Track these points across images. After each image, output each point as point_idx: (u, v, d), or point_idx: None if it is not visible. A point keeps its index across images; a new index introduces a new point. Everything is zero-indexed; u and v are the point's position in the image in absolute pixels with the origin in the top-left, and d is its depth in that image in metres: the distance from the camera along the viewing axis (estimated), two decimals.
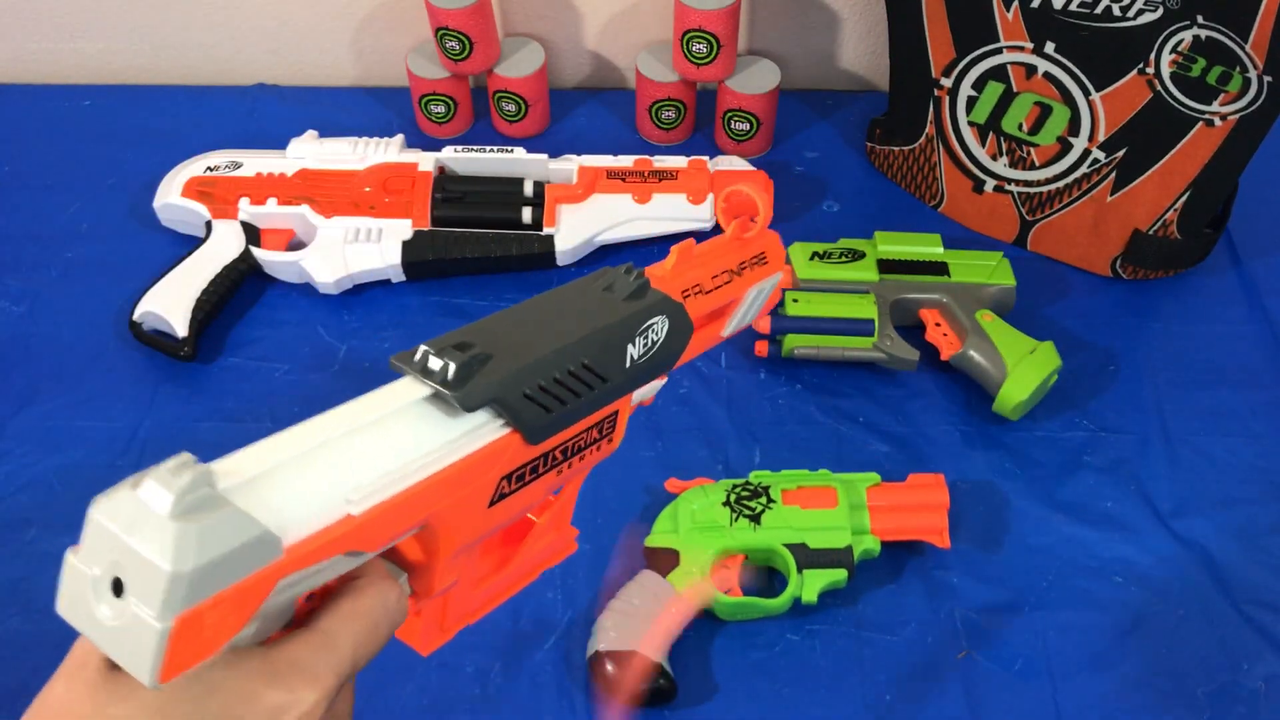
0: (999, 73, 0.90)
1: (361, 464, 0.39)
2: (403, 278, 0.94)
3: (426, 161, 0.96)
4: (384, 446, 0.40)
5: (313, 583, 0.38)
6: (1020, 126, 0.92)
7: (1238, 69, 0.80)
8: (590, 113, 1.10)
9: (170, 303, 0.89)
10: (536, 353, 0.45)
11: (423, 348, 0.42)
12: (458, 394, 0.41)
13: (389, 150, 0.97)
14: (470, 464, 0.42)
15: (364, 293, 0.94)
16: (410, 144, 0.99)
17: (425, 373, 0.42)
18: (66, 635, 0.80)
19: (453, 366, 0.41)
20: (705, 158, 0.98)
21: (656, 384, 0.51)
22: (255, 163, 0.96)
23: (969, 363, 0.86)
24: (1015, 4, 0.86)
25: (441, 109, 1.05)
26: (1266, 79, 0.80)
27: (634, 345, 0.48)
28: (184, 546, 0.32)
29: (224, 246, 0.92)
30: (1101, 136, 0.89)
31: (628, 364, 0.48)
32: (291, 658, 0.37)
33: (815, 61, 1.13)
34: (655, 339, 0.50)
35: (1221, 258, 0.97)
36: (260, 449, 0.38)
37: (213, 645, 0.34)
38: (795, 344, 0.87)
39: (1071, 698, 0.73)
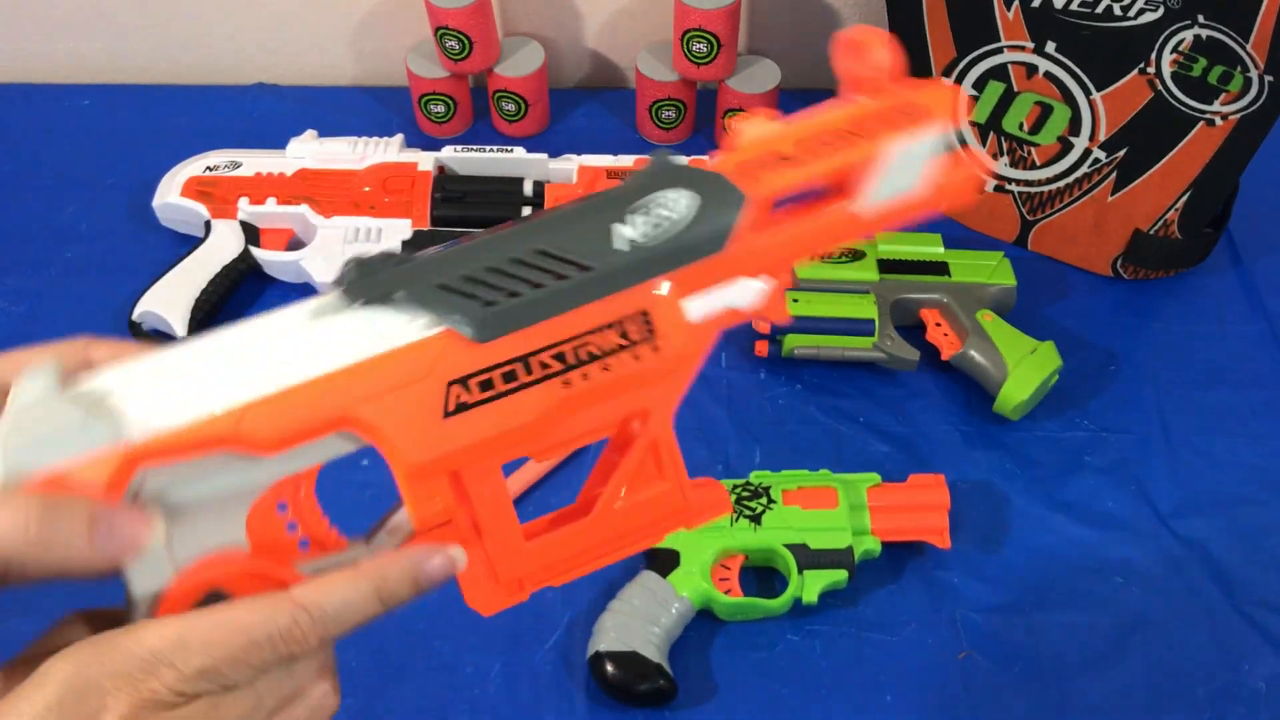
0: (999, 72, 0.90)
1: (243, 360, 0.39)
2: None
3: (426, 161, 0.96)
4: (273, 344, 0.39)
5: (202, 490, 0.38)
6: (1021, 126, 0.92)
7: (1239, 69, 0.80)
8: (590, 112, 1.10)
9: (169, 302, 0.89)
10: (466, 250, 0.40)
11: (349, 259, 0.40)
12: (349, 291, 0.39)
13: (388, 150, 0.97)
14: (383, 363, 0.39)
15: None
16: (410, 144, 0.99)
17: (336, 283, 0.40)
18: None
19: (352, 266, 0.39)
20: (705, 158, 0.97)
21: (736, 286, 0.42)
22: (255, 162, 0.96)
23: (969, 363, 0.86)
24: (1016, 3, 0.86)
25: (441, 109, 1.05)
26: (1267, 79, 0.80)
27: (627, 225, 0.41)
28: (11, 435, 0.36)
29: (223, 246, 0.92)
30: (1102, 136, 0.89)
31: (622, 246, 0.41)
32: (147, 644, 0.36)
33: (815, 61, 1.12)
34: (671, 216, 0.41)
35: (1222, 258, 0.97)
36: (148, 355, 0.39)
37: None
38: (795, 344, 0.87)
39: (1072, 698, 0.73)
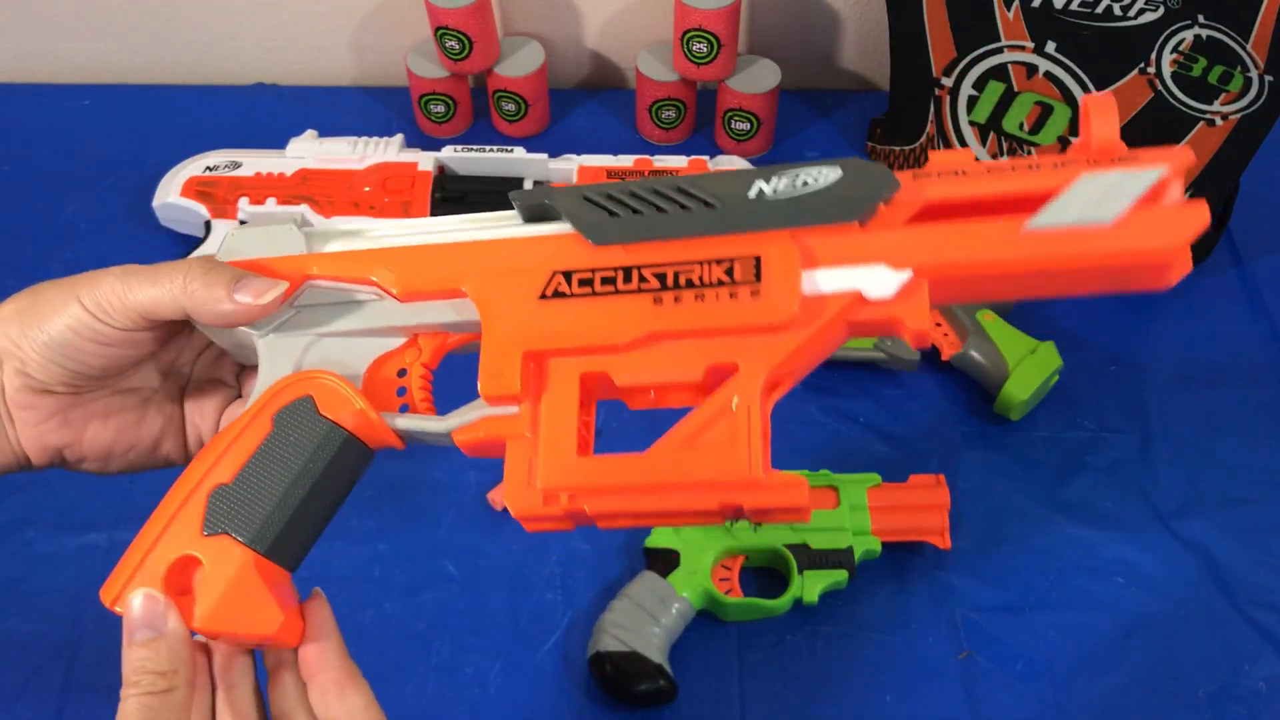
0: (1000, 72, 0.90)
1: (407, 229, 0.47)
2: None
3: (426, 161, 0.96)
4: (436, 230, 0.47)
5: (344, 318, 0.46)
6: (1021, 126, 0.92)
7: (1239, 69, 0.80)
8: (590, 112, 1.10)
9: None
10: (631, 182, 0.44)
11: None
12: (517, 198, 0.45)
13: (388, 150, 0.97)
14: (509, 246, 0.45)
15: None
16: (410, 143, 0.99)
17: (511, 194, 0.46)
18: (66, 636, 0.80)
19: (530, 183, 0.49)
20: (705, 157, 0.98)
21: (870, 270, 0.40)
22: (254, 162, 0.96)
23: (970, 363, 0.86)
24: (1016, 3, 0.86)
25: (441, 108, 1.05)
26: (1267, 79, 0.80)
27: (767, 183, 0.42)
28: (237, 231, 0.48)
29: None
30: None
31: (753, 194, 0.42)
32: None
33: (815, 61, 1.12)
34: (810, 183, 0.41)
35: (1223, 258, 0.97)
36: (351, 223, 0.50)
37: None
38: None
39: (1072, 698, 0.73)
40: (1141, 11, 0.82)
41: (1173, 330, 0.93)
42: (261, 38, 1.11)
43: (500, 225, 0.46)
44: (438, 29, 0.99)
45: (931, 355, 0.88)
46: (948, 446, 0.85)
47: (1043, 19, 0.85)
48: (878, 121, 1.03)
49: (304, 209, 0.93)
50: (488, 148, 0.97)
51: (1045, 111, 0.90)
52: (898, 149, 1.01)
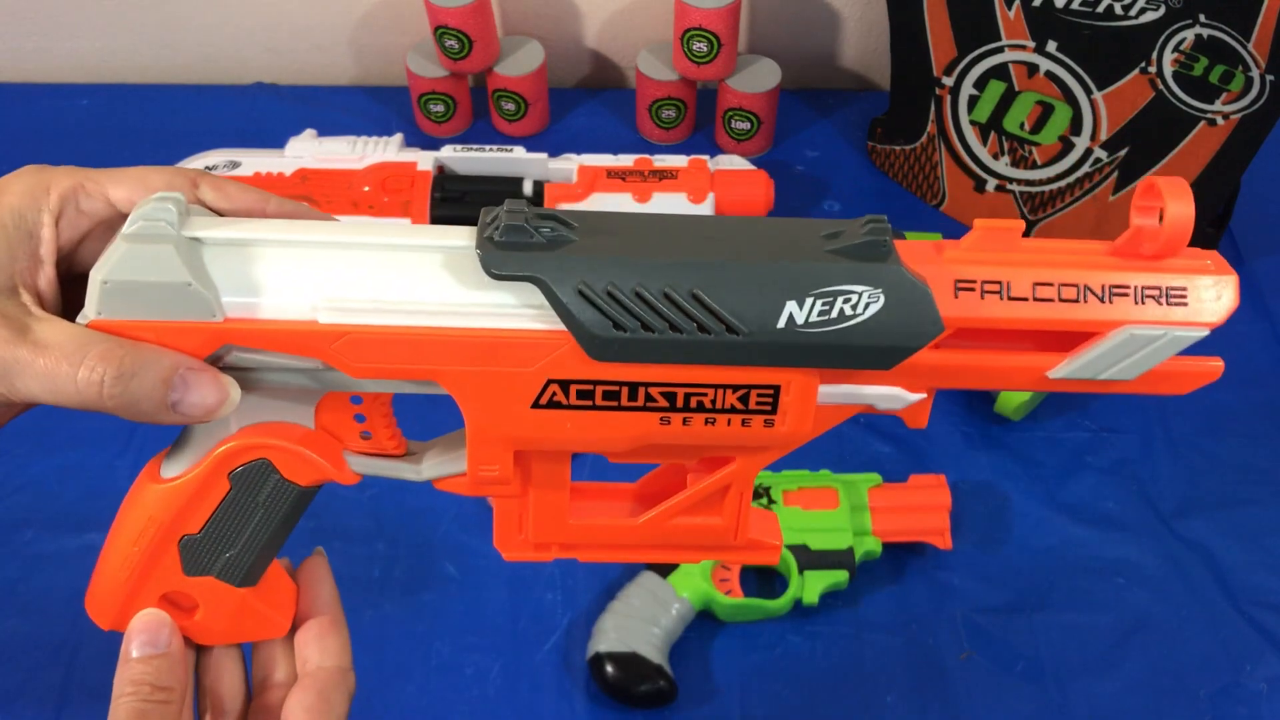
0: (1000, 71, 0.90)
1: (358, 278, 0.37)
2: None
3: (426, 161, 0.96)
4: (394, 273, 0.38)
5: (282, 378, 0.39)
6: (1022, 125, 0.92)
7: (1240, 68, 0.80)
8: (590, 112, 1.10)
9: None
10: (629, 253, 0.36)
11: (509, 203, 0.37)
12: (484, 253, 0.36)
13: (388, 149, 0.96)
14: (492, 341, 0.37)
15: None
16: (409, 143, 0.99)
17: (482, 225, 0.37)
18: (65, 637, 0.80)
19: (503, 225, 0.36)
20: (705, 157, 0.97)
21: (888, 391, 0.39)
22: (254, 162, 0.96)
23: None
24: (1017, 3, 0.86)
25: (441, 108, 1.05)
26: (1269, 78, 0.80)
27: (800, 306, 0.36)
28: (108, 263, 0.37)
29: None
30: (1103, 136, 0.89)
31: (781, 324, 0.36)
32: None
33: (816, 60, 1.12)
34: (849, 313, 0.36)
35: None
36: (269, 224, 0.39)
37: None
38: None
39: (1073, 698, 0.73)
40: (1143, 11, 0.81)
41: None
42: (261, 37, 1.11)
43: (464, 269, 0.37)
44: (437, 28, 0.99)
45: None
46: (948, 447, 0.85)
47: (1044, 18, 0.85)
48: (878, 121, 1.03)
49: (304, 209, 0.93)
50: (487, 147, 0.97)
51: (1046, 111, 0.90)
52: (898, 148, 1.01)
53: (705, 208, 0.95)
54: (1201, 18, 0.79)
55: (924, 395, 0.40)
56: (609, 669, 0.71)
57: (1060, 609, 0.77)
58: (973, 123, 0.94)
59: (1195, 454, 0.85)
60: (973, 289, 0.37)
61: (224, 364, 0.39)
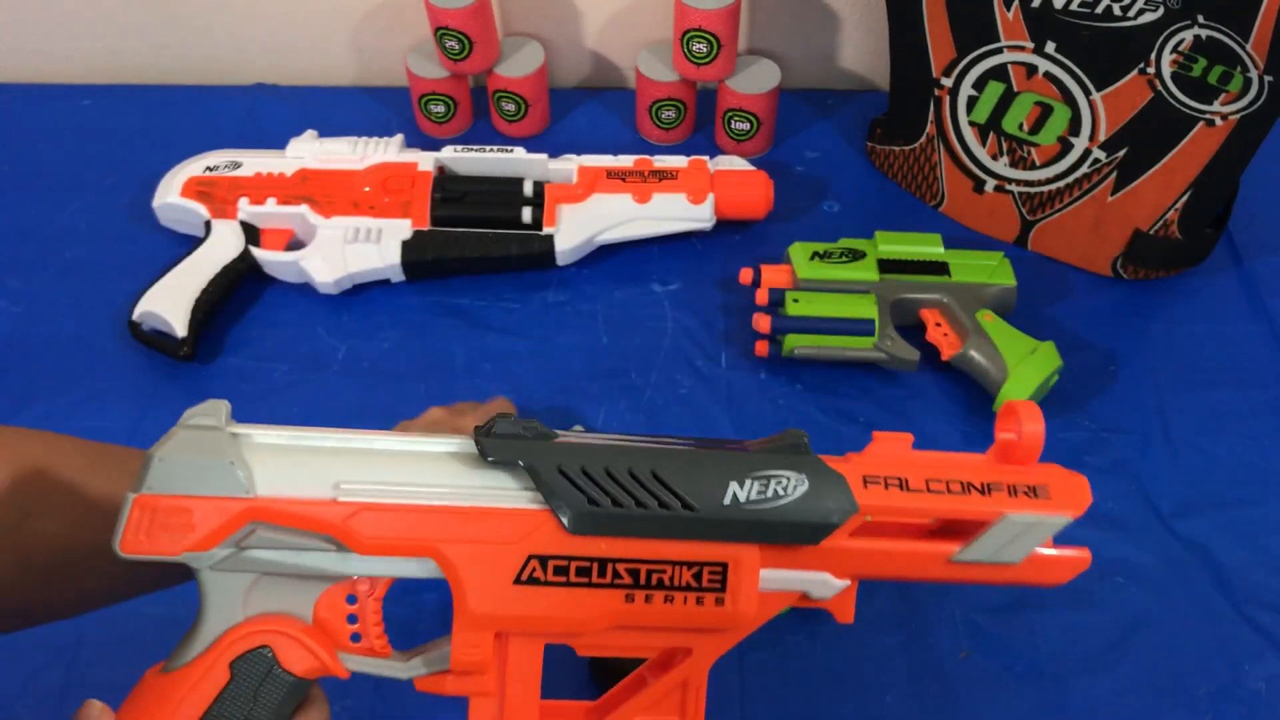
0: (999, 72, 0.90)
1: (370, 470, 0.44)
2: (402, 278, 0.94)
3: (426, 161, 0.96)
4: (401, 467, 0.45)
5: (295, 561, 0.44)
6: (1021, 126, 0.92)
7: (1238, 69, 0.80)
8: (590, 112, 1.10)
9: (169, 303, 0.89)
10: (598, 446, 0.44)
11: (499, 416, 0.45)
12: (483, 441, 0.44)
13: (388, 150, 0.97)
14: (484, 516, 0.44)
15: (363, 293, 0.94)
16: (410, 144, 0.99)
17: (477, 430, 0.45)
18: (66, 636, 0.80)
19: (497, 424, 0.44)
20: (705, 157, 0.98)
21: (818, 577, 0.46)
22: (254, 162, 0.96)
23: (969, 363, 0.86)
24: (1016, 4, 0.86)
25: (441, 109, 1.05)
26: (1267, 79, 0.80)
27: (741, 487, 0.44)
28: (165, 443, 0.44)
29: (223, 246, 0.92)
30: (1102, 136, 0.89)
31: (727, 501, 0.44)
32: None
33: (815, 61, 1.13)
34: (781, 493, 0.45)
35: (1222, 258, 0.97)
36: (298, 429, 0.45)
37: (169, 545, 0.43)
38: (795, 344, 0.87)
39: (1072, 698, 0.73)
40: (1141, 12, 0.82)
41: (1173, 330, 0.93)
42: (262, 38, 1.11)
43: (462, 460, 0.45)
44: (438, 29, 0.99)
45: (931, 355, 0.88)
46: (948, 446, 0.85)
47: (1042, 19, 0.85)
48: (878, 122, 1.03)
49: (304, 209, 0.93)
50: (488, 148, 0.97)
51: (1045, 112, 0.90)
52: (898, 149, 1.01)
53: (705, 208, 0.95)
54: (1200, 19, 0.80)
55: (848, 583, 0.46)
56: (609, 668, 0.71)
57: (1059, 608, 0.77)
58: (972, 123, 0.94)
59: (1194, 454, 0.85)
60: (878, 482, 0.46)
61: (246, 545, 0.44)
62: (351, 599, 0.47)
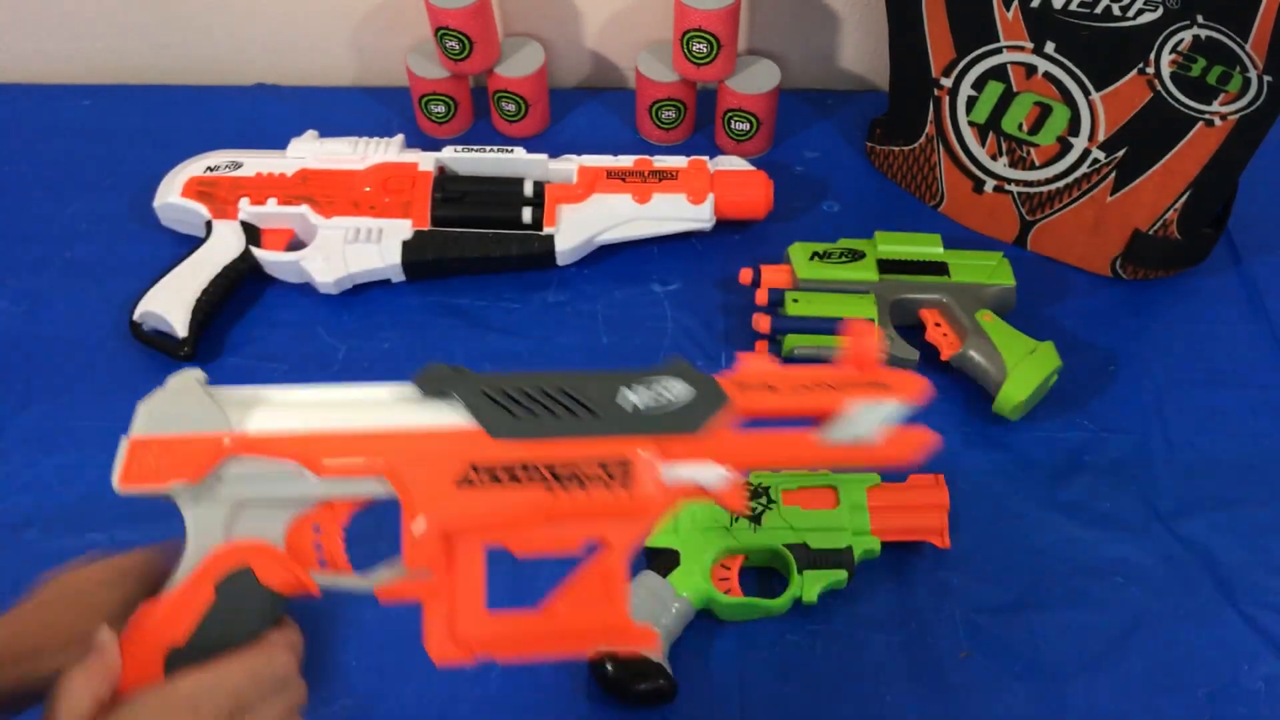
0: (999, 72, 0.90)
1: (327, 409, 0.53)
2: (403, 278, 0.94)
3: (426, 161, 0.96)
4: (353, 405, 0.54)
5: (267, 487, 0.52)
6: (1020, 126, 0.92)
7: (1238, 69, 0.80)
8: (590, 113, 1.10)
9: (170, 303, 0.89)
10: (515, 374, 0.54)
11: (430, 364, 0.54)
12: (419, 380, 0.53)
13: (389, 150, 0.97)
14: (424, 436, 0.52)
15: (364, 293, 0.94)
16: (410, 144, 0.99)
17: (414, 373, 0.54)
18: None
19: (428, 368, 0.54)
20: (705, 158, 0.98)
21: (707, 467, 0.53)
22: (255, 162, 0.96)
23: (969, 363, 0.86)
24: (1015, 4, 0.86)
25: (441, 109, 1.05)
26: (1266, 79, 0.80)
27: (633, 392, 0.53)
28: (152, 396, 0.53)
29: (224, 246, 0.92)
30: (1101, 136, 0.89)
31: (626, 408, 0.53)
32: (183, 690, 0.48)
33: (815, 61, 1.13)
34: (668, 398, 0.54)
35: (1222, 258, 0.97)
36: (265, 387, 0.54)
37: (159, 477, 0.51)
38: (795, 344, 0.87)
39: (1072, 698, 0.73)
40: (1140, 12, 0.82)
41: (1172, 330, 0.93)
42: (262, 38, 1.11)
43: (402, 400, 0.53)
44: (438, 29, 0.99)
45: (931, 355, 0.88)
46: (947, 446, 0.85)
47: (1042, 19, 0.85)
48: (877, 122, 1.04)
49: (305, 209, 0.93)
50: (488, 148, 0.97)
51: (1044, 112, 0.90)
52: (897, 149, 1.01)
53: (705, 208, 0.95)
54: (1199, 19, 0.80)
55: (736, 473, 0.53)
56: (609, 667, 0.71)
57: (1058, 608, 0.77)
58: (971, 123, 0.94)
59: (1193, 454, 0.85)
60: (750, 387, 0.54)
61: (225, 477, 0.51)
62: (316, 528, 0.53)
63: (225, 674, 0.48)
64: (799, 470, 0.79)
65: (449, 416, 0.53)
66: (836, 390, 0.55)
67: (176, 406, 0.52)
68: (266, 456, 0.51)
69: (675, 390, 0.54)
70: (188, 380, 0.53)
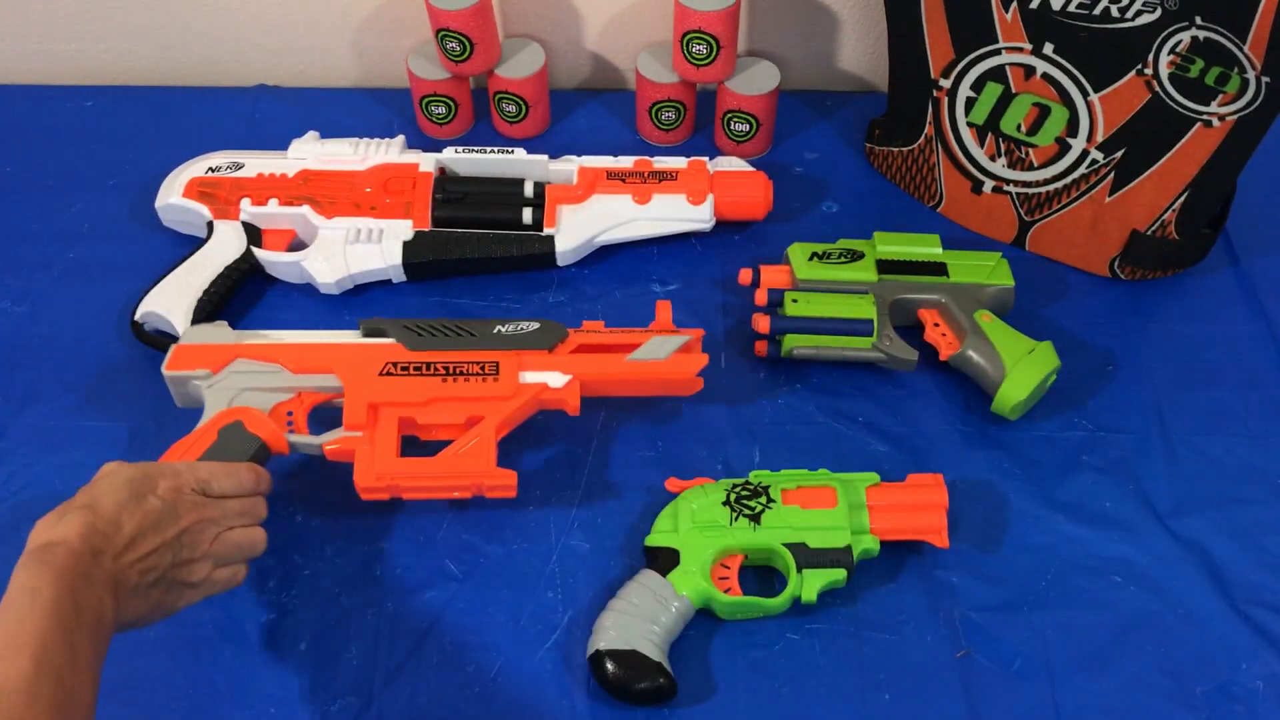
0: (998, 73, 0.90)
1: (300, 336, 0.84)
2: (403, 278, 0.94)
3: (427, 162, 0.96)
4: (317, 335, 0.84)
5: (259, 381, 0.80)
6: (1019, 127, 0.92)
7: (1236, 70, 0.81)
8: (590, 114, 1.11)
9: (172, 303, 0.89)
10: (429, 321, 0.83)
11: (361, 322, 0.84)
12: (363, 326, 0.84)
13: (390, 151, 0.97)
14: (361, 349, 0.82)
15: (365, 293, 0.95)
16: (411, 145, 0.99)
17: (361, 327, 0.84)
18: None
19: (370, 320, 0.84)
20: (705, 158, 0.98)
21: (552, 375, 0.81)
22: (257, 163, 0.96)
23: (968, 363, 0.86)
24: (1014, 5, 0.86)
25: (442, 110, 1.05)
26: (1265, 80, 0.80)
27: (503, 326, 0.83)
28: (193, 328, 0.85)
29: (225, 247, 0.92)
30: (1100, 137, 0.89)
31: (494, 331, 0.83)
32: (165, 462, 0.74)
33: (815, 62, 1.13)
34: (524, 329, 0.83)
35: (1220, 258, 0.97)
36: (257, 331, 0.85)
37: (190, 366, 0.80)
38: (795, 344, 0.87)
39: (1070, 697, 0.74)
40: (1139, 13, 0.82)
41: (1170, 330, 0.93)
42: (263, 40, 1.11)
43: (352, 337, 0.83)
44: (439, 31, 0.99)
45: (930, 355, 0.89)
46: (946, 446, 0.86)
47: (1041, 20, 0.86)
48: (876, 123, 1.04)
49: (306, 210, 0.93)
50: (488, 149, 0.98)
51: (1043, 113, 0.90)
52: (896, 150, 1.02)
53: (705, 209, 0.95)
54: (1198, 20, 0.80)
55: (571, 377, 0.81)
56: (609, 666, 0.72)
57: (1057, 607, 0.77)
58: (970, 124, 0.95)
59: (1192, 453, 0.85)
60: (587, 332, 0.84)
61: (233, 371, 0.81)
62: (289, 414, 0.79)
63: (200, 463, 0.72)
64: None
65: (380, 341, 0.82)
66: (645, 332, 0.84)
67: (206, 332, 0.83)
68: (259, 360, 0.80)
69: (531, 326, 0.83)
70: (216, 323, 0.84)
